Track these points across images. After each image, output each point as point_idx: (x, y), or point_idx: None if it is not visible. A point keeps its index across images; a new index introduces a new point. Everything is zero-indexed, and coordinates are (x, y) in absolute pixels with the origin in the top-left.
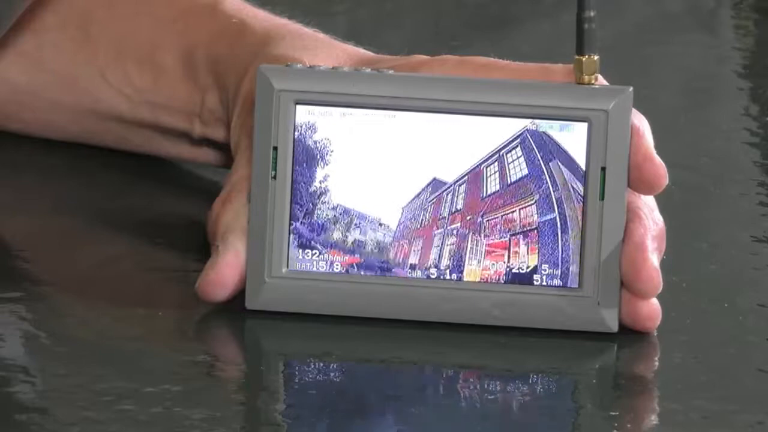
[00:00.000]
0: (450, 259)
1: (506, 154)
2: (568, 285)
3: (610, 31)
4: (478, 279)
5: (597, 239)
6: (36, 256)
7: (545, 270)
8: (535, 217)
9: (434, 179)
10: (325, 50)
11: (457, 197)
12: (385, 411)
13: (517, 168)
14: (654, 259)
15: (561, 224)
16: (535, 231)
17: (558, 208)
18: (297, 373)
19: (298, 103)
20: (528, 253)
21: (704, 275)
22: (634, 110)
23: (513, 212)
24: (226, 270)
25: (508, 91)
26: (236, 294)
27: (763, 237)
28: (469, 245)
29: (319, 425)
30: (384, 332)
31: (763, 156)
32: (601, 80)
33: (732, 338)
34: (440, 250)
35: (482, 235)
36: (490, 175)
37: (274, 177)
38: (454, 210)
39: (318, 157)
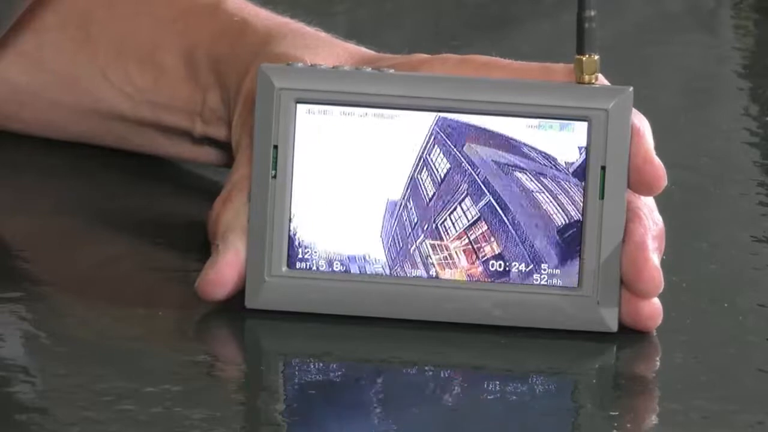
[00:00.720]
0: (434, 270)
1: (428, 155)
2: (568, 285)
3: (610, 31)
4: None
5: (597, 239)
6: (36, 256)
7: (545, 269)
8: (474, 207)
9: (388, 201)
10: (326, 49)
11: (411, 211)
12: (385, 411)
13: (441, 165)
14: (655, 258)
15: (499, 204)
16: (481, 220)
17: (488, 188)
18: (297, 373)
19: (298, 101)
20: (488, 242)
21: (704, 275)
22: (634, 110)
23: (455, 209)
24: (225, 269)
25: (508, 91)
26: (236, 293)
27: (763, 237)
28: (440, 253)
29: (319, 425)
30: (384, 332)
31: (763, 156)
32: (602, 80)
33: (732, 338)
34: (425, 265)
35: (446, 240)
36: (424, 181)
37: (275, 176)
38: (413, 224)
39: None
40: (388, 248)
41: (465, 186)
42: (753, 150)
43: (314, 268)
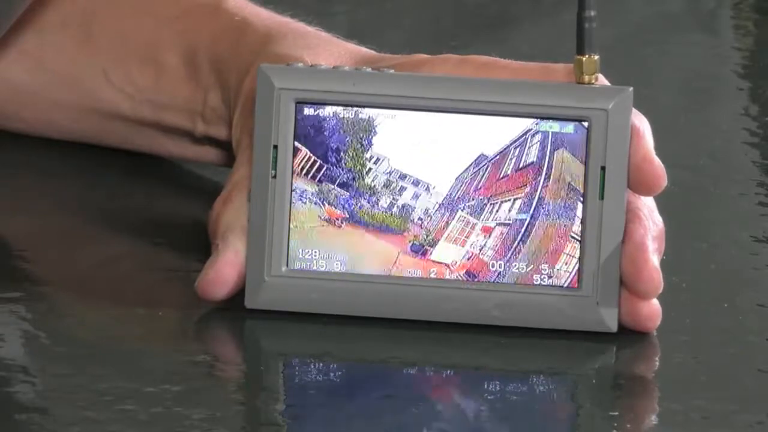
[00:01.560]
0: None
1: (531, 136)
2: (568, 285)
3: (610, 31)
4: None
5: (596, 239)
6: (36, 256)
7: (544, 270)
8: (515, 212)
9: (481, 153)
10: (326, 49)
11: (485, 173)
12: (385, 411)
13: (531, 152)
14: (654, 259)
15: (527, 229)
16: (507, 227)
17: (536, 209)
18: (297, 373)
19: (298, 102)
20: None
21: (704, 275)
22: (634, 110)
23: (507, 201)
24: (225, 269)
25: (508, 91)
26: (236, 293)
27: (763, 237)
28: (462, 224)
29: (319, 425)
30: (384, 332)
31: (763, 156)
32: (602, 80)
33: (732, 338)
34: (451, 227)
35: (480, 219)
36: (512, 158)
37: (274, 176)
38: (479, 186)
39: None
40: (452, 190)
41: (527, 189)
42: (753, 150)
43: (314, 268)
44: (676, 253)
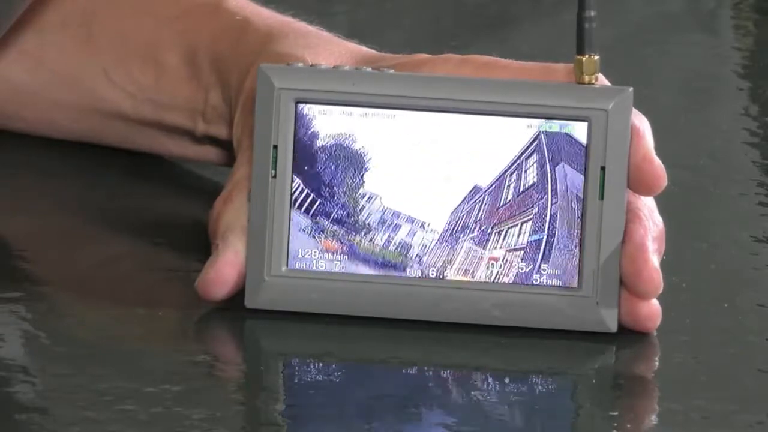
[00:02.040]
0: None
1: (525, 159)
2: (568, 285)
3: (610, 31)
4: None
5: (596, 239)
6: (36, 256)
7: (544, 270)
8: (527, 236)
9: (474, 186)
10: (327, 48)
11: (483, 205)
12: (385, 411)
13: (530, 174)
14: (654, 259)
15: (544, 248)
16: (523, 251)
17: (551, 225)
18: (297, 373)
19: (298, 101)
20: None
21: (704, 275)
22: (635, 111)
23: (515, 226)
24: (225, 268)
25: (508, 91)
26: (236, 293)
27: (763, 237)
28: (470, 256)
29: (319, 425)
30: (384, 332)
31: (763, 156)
32: (602, 80)
33: (732, 338)
34: (454, 258)
35: (487, 248)
36: (509, 185)
37: (274, 176)
38: (478, 218)
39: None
40: (449, 226)
41: (535, 210)
42: (753, 150)
43: (314, 268)
44: (676, 253)
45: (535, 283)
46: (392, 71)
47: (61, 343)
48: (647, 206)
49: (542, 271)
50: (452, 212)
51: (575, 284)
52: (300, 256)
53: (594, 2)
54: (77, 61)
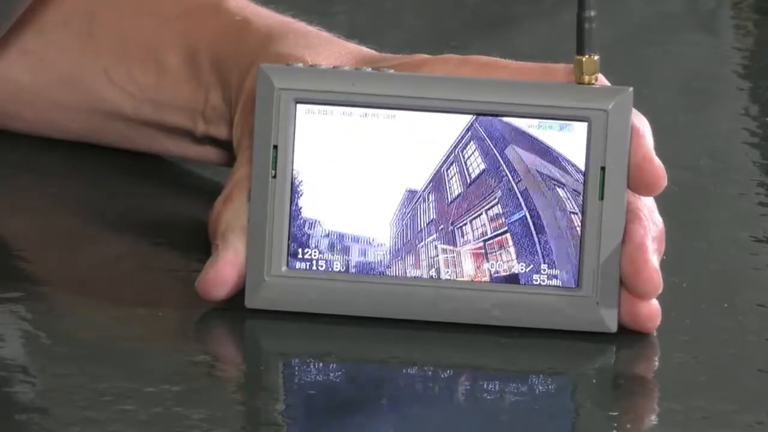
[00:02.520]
0: (437, 272)
1: (461, 151)
2: (568, 285)
3: (610, 31)
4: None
5: (596, 239)
6: (36, 256)
7: (544, 270)
8: (503, 218)
9: (407, 190)
10: (327, 48)
11: (429, 205)
12: (385, 411)
13: (474, 164)
14: (654, 260)
15: (534, 223)
16: (507, 234)
17: (525, 203)
18: (297, 373)
19: (298, 101)
20: (507, 257)
21: (704, 275)
22: (635, 111)
23: (480, 215)
24: (225, 268)
25: (508, 91)
26: (236, 293)
27: (763, 237)
28: (448, 256)
29: (319, 425)
30: (384, 332)
31: (763, 156)
32: (602, 80)
33: (732, 338)
34: (428, 264)
35: (457, 245)
36: (451, 178)
37: (274, 176)
38: (428, 221)
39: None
40: (396, 236)
41: (499, 193)
42: (753, 150)
43: (314, 268)
44: (676, 253)
45: (534, 283)
46: (392, 71)
47: (61, 343)
48: (647, 206)
49: (542, 271)
50: (390, 222)
51: (575, 284)
52: (300, 256)
53: (594, 2)
54: (78, 61)
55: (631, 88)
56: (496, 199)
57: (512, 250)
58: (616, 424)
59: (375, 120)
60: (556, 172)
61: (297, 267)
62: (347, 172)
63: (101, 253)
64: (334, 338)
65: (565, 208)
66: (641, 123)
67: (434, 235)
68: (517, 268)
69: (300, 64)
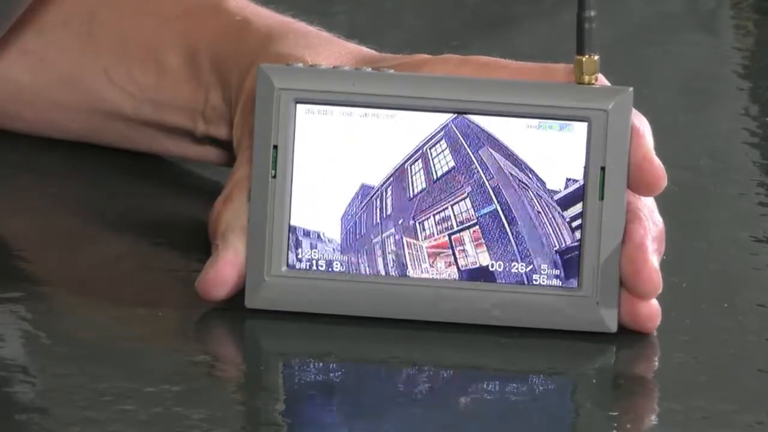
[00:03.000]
0: (396, 268)
1: (430, 149)
2: (567, 285)
3: (610, 31)
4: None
5: (596, 239)
6: (36, 256)
7: (544, 270)
8: (472, 211)
9: (363, 186)
10: (327, 48)
11: (385, 201)
12: (385, 411)
13: (443, 161)
14: (654, 260)
15: (505, 214)
16: (476, 226)
17: (497, 197)
18: (297, 373)
19: (298, 101)
20: (476, 250)
21: (704, 275)
22: (635, 111)
23: (444, 209)
24: (225, 268)
25: (508, 91)
26: (236, 293)
27: (763, 237)
28: (408, 251)
29: (319, 425)
30: (384, 332)
31: (763, 156)
32: (602, 80)
33: (732, 338)
34: (384, 260)
35: (420, 238)
36: (415, 173)
37: (274, 176)
38: (385, 215)
39: (370, 202)
40: (347, 232)
41: (468, 189)
42: (753, 150)
43: (314, 268)
44: (676, 253)
45: (534, 283)
46: (392, 71)
47: (61, 343)
48: (647, 206)
49: (542, 271)
50: (342, 217)
51: (575, 284)
52: (300, 256)
53: (594, 2)
54: (78, 61)
55: (631, 88)
56: (465, 194)
57: (482, 242)
58: (616, 424)
59: (375, 120)
60: (524, 177)
61: (297, 267)
62: (347, 172)
63: (101, 253)
64: (334, 338)
65: (534, 205)
66: (641, 123)
67: (391, 229)
68: (488, 259)
69: (300, 64)
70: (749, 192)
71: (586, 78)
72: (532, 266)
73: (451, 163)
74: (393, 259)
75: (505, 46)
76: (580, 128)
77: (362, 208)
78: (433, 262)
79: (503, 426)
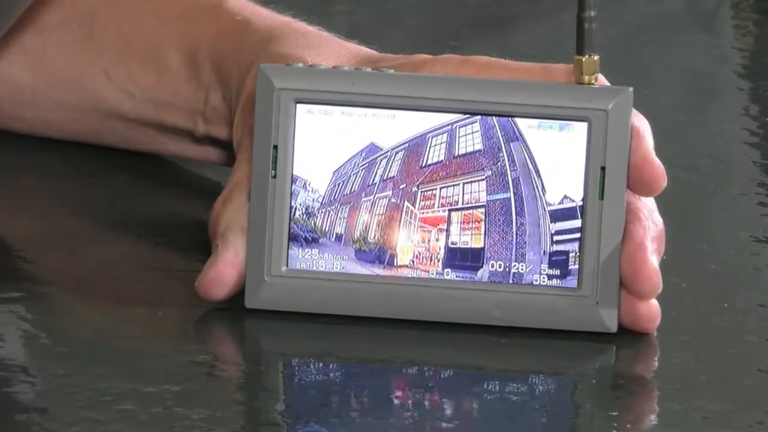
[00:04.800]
0: (379, 232)
1: (460, 127)
2: (567, 285)
3: (610, 31)
4: (410, 255)
5: (596, 239)
6: (36, 256)
7: (544, 270)
8: (483, 194)
9: (371, 144)
10: (328, 48)
11: (392, 163)
12: (385, 411)
13: (470, 142)
14: (653, 260)
15: (516, 205)
16: (482, 209)
17: (514, 188)
18: (297, 373)
19: (298, 101)
20: (471, 232)
21: (704, 275)
22: (635, 111)
23: (455, 185)
24: (225, 269)
25: (508, 91)
26: (236, 293)
27: (763, 237)
28: (400, 216)
29: (319, 425)
30: (384, 332)
31: (763, 156)
32: (602, 80)
33: (732, 338)
34: (367, 221)
35: (416, 206)
36: (436, 145)
37: (274, 176)
38: (386, 177)
39: (374, 160)
40: (335, 185)
41: (488, 173)
42: (753, 150)
43: (314, 268)
44: (676, 253)
45: (534, 283)
46: (392, 71)
47: (61, 343)
48: (647, 206)
49: (542, 271)
50: (335, 171)
51: (575, 284)
52: (300, 256)
53: (594, 2)
54: (78, 61)
55: (631, 88)
56: (483, 177)
57: (480, 225)
58: (616, 424)
59: (375, 120)
60: (539, 181)
61: (297, 267)
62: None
63: (101, 253)
64: (334, 338)
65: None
66: (641, 123)
67: (388, 191)
68: (480, 243)
69: (300, 64)
70: (749, 192)
71: (586, 78)
72: (532, 266)
73: (479, 146)
74: (377, 223)
75: (505, 46)
76: (580, 128)
77: (362, 166)
78: (420, 233)
79: (503, 426)
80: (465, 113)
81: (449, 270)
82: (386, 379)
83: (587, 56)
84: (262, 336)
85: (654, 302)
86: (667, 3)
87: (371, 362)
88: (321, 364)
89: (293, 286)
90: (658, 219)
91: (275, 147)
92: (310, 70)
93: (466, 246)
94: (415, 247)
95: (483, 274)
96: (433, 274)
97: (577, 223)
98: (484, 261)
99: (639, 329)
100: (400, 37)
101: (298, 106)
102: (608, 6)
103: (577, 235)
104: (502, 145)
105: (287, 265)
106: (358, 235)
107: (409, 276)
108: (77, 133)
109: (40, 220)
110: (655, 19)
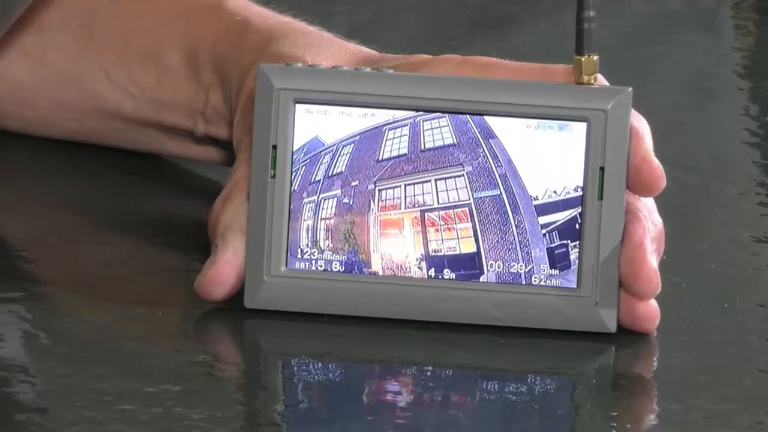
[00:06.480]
0: (330, 240)
1: (423, 121)
2: (567, 285)
3: (610, 31)
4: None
5: (596, 239)
6: (36, 256)
7: (544, 269)
8: (468, 191)
9: (314, 138)
10: (327, 48)
11: (338, 158)
12: (385, 411)
13: (438, 135)
14: (653, 260)
15: (510, 203)
16: (466, 208)
17: (503, 184)
18: (297, 373)
19: (297, 101)
20: (458, 235)
21: (704, 275)
22: (634, 112)
23: (425, 182)
24: (224, 269)
25: (508, 91)
26: (235, 293)
27: (763, 237)
28: (355, 219)
29: (319, 425)
30: (384, 332)
31: (763, 156)
32: (602, 80)
33: (732, 338)
34: (314, 227)
35: (376, 207)
36: (394, 138)
37: (274, 176)
38: (331, 173)
39: (316, 156)
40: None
41: (468, 168)
42: (753, 150)
43: (313, 268)
44: (676, 253)
45: (534, 283)
46: (392, 71)
47: (61, 343)
48: (646, 206)
49: (541, 271)
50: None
51: (574, 284)
52: (300, 256)
53: (594, 2)
54: (78, 61)
55: (630, 88)
56: (462, 173)
57: (468, 226)
58: (616, 424)
59: (375, 120)
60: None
61: (296, 267)
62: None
63: (101, 253)
64: (334, 338)
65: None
66: (640, 124)
67: (336, 191)
68: (472, 247)
69: (299, 64)
70: (749, 192)
71: (586, 78)
72: (532, 266)
73: (450, 140)
74: (325, 227)
75: (505, 46)
76: (580, 128)
77: (302, 162)
78: (387, 239)
79: (503, 426)
80: (465, 113)
81: (448, 270)
82: (386, 379)
83: (586, 56)
84: (261, 336)
85: (653, 302)
86: (667, 3)
87: (371, 362)
88: (321, 364)
89: (292, 286)
90: (658, 219)
91: (274, 147)
92: (310, 70)
93: (456, 252)
94: (386, 259)
95: (484, 276)
96: (432, 274)
97: (576, 223)
98: (483, 265)
99: (638, 329)
100: (400, 37)
101: (298, 106)
102: (608, 6)
103: (577, 235)
104: (480, 140)
105: (287, 265)
106: (305, 242)
107: (409, 276)
108: (77, 133)
109: (40, 220)
110: (655, 19)
